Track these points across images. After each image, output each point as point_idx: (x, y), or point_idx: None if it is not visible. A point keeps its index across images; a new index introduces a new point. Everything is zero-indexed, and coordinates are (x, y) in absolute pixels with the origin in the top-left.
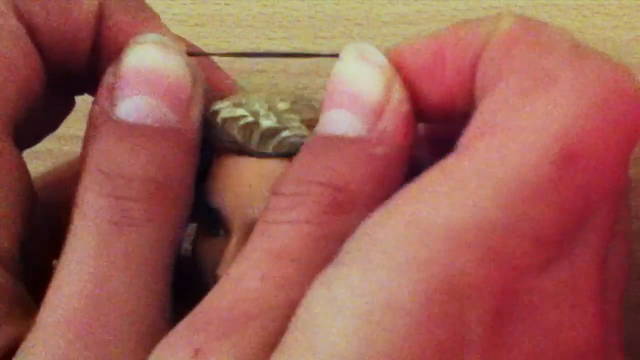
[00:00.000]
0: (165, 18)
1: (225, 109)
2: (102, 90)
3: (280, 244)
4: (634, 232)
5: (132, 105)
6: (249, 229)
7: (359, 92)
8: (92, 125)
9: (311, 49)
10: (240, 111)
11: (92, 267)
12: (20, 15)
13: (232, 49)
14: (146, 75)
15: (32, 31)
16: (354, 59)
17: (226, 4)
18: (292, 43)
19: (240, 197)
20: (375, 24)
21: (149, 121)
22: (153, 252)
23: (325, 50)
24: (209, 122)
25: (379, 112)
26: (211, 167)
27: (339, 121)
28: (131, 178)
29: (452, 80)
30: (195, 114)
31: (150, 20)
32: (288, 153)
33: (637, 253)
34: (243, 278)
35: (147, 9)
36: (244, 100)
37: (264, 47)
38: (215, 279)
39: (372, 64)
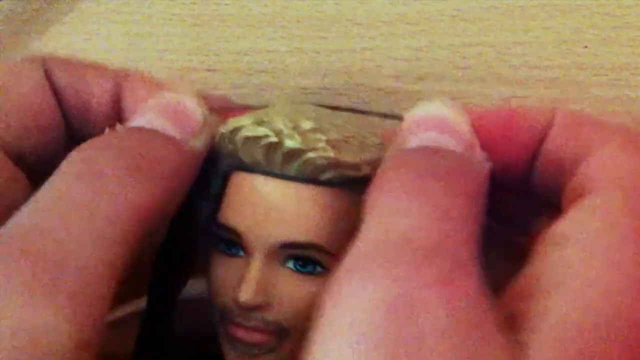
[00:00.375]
0: (165, 18)
1: (247, 127)
2: None
3: None
4: None
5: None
6: (270, 253)
7: (452, 122)
8: None
9: (311, 49)
10: (262, 130)
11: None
12: (48, 75)
13: (232, 49)
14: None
15: (56, 91)
16: (443, 103)
17: (226, 4)
18: (292, 43)
19: (262, 219)
20: (375, 24)
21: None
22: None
23: (325, 50)
24: (227, 139)
25: (470, 144)
26: (229, 186)
27: (436, 138)
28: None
29: (519, 147)
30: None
31: (162, 86)
32: (311, 175)
33: None
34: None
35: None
36: (266, 118)
37: (264, 47)
38: (235, 301)
39: (458, 109)
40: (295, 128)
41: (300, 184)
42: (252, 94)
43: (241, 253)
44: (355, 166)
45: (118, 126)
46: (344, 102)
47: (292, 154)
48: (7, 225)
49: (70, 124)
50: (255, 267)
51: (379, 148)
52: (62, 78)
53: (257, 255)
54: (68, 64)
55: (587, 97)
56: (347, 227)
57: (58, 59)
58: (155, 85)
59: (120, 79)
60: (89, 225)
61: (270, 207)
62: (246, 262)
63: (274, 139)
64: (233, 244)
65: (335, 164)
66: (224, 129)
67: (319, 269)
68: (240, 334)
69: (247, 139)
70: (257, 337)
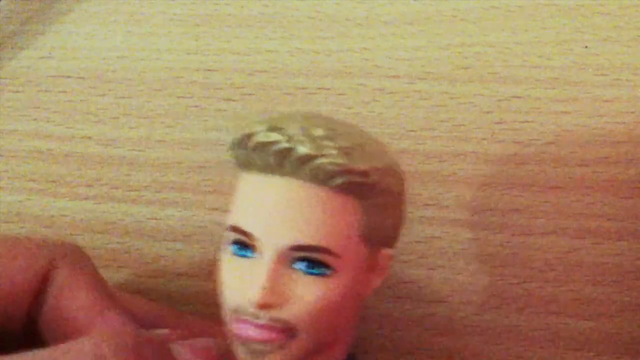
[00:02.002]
0: (165, 18)
1: (260, 133)
2: None
3: None
4: (634, 232)
5: None
6: (281, 254)
7: None
8: None
9: (311, 49)
10: (275, 136)
11: None
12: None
13: (232, 49)
14: None
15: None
16: None
17: (226, 4)
18: (292, 43)
19: (274, 222)
20: (375, 24)
21: None
22: None
23: (325, 50)
24: (239, 144)
25: None
26: (240, 190)
27: None
28: None
29: None
30: None
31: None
32: (322, 180)
33: (637, 253)
34: None
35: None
36: (278, 125)
37: (264, 47)
38: (248, 301)
39: None
40: (307, 134)
41: (311, 188)
42: (252, 94)
43: (252, 254)
44: (365, 173)
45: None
46: (344, 101)
47: (304, 160)
48: None
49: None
50: (268, 268)
51: (387, 156)
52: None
53: (269, 256)
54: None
55: (587, 97)
56: (355, 232)
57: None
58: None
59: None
60: None
61: (282, 210)
62: (257, 263)
63: (286, 144)
64: (244, 245)
65: (345, 171)
66: (237, 134)
67: (326, 270)
68: (251, 332)
69: (260, 144)
70: (266, 335)
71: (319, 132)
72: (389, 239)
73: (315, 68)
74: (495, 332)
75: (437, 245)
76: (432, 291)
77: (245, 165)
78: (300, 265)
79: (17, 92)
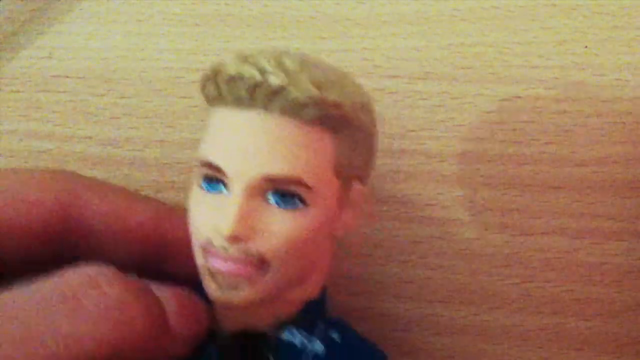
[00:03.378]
0: (165, 18)
1: (231, 66)
2: None
3: None
4: (634, 232)
5: None
6: (252, 187)
7: None
8: None
9: (311, 49)
10: (246, 68)
11: None
12: (69, 202)
13: (232, 49)
14: None
15: (73, 217)
16: None
17: (226, 4)
18: (292, 43)
19: (244, 154)
20: (375, 24)
21: None
22: None
23: (325, 50)
24: (209, 79)
25: None
26: (210, 124)
27: None
28: None
29: None
30: None
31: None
32: (294, 111)
33: (637, 253)
34: None
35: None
36: (250, 58)
37: (264, 47)
38: (219, 233)
39: None
40: (280, 66)
41: (283, 120)
42: None
43: (223, 189)
44: (338, 105)
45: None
46: None
47: (276, 91)
48: None
49: (76, 245)
50: (238, 200)
51: (361, 93)
52: (92, 203)
53: (239, 189)
54: (106, 192)
55: (587, 97)
56: (327, 165)
57: (94, 185)
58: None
59: (160, 212)
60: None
61: (252, 142)
62: (228, 197)
63: (258, 77)
64: (215, 180)
65: (317, 102)
66: (207, 70)
67: (299, 203)
68: (223, 265)
69: (231, 77)
70: (237, 268)
71: (291, 64)
72: (361, 175)
73: None
74: (495, 332)
75: (437, 245)
76: (432, 291)
77: (217, 100)
78: (273, 199)
79: (17, 92)
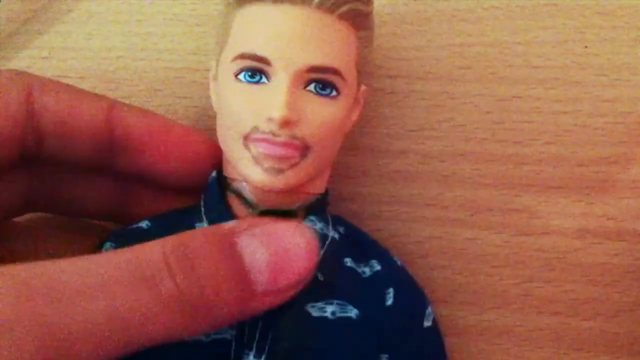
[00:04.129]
0: (165, 18)
1: None
2: None
3: None
4: (634, 232)
5: None
6: (296, 76)
7: None
8: None
9: None
10: None
11: None
12: (29, 97)
13: None
14: None
15: (34, 117)
16: None
17: None
18: None
19: (289, 45)
20: (375, 24)
21: None
22: None
23: None
24: None
25: None
26: (251, 20)
27: None
28: None
29: None
30: None
31: (157, 118)
32: (331, 6)
33: (637, 253)
34: None
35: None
36: None
37: None
38: (269, 118)
39: None
40: None
41: (320, 14)
42: None
43: (265, 80)
44: (368, 1)
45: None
46: None
47: None
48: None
49: (38, 145)
50: (286, 87)
51: None
52: (47, 104)
53: (286, 77)
54: (58, 90)
55: (587, 97)
56: (353, 60)
57: (48, 84)
58: (144, 116)
59: (111, 108)
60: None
61: (295, 34)
62: (271, 86)
63: None
64: (257, 72)
65: None
66: None
67: (334, 92)
68: (272, 150)
69: None
70: (286, 151)
71: None
72: (364, 74)
73: None
74: (495, 332)
75: (437, 245)
76: (432, 291)
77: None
78: (312, 87)
79: None
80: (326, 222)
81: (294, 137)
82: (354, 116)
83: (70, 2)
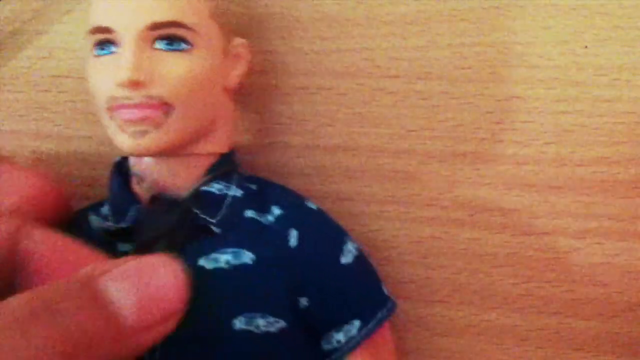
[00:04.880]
0: None
1: None
2: None
3: None
4: (634, 232)
5: None
6: (140, 37)
7: None
8: None
9: (311, 49)
10: None
11: None
12: None
13: None
14: None
15: None
16: None
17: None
18: (292, 43)
19: (127, 9)
20: (375, 24)
21: None
22: None
23: (325, 50)
24: None
25: None
26: None
27: None
28: None
29: None
30: None
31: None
32: None
33: (637, 253)
34: None
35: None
36: None
37: (264, 47)
38: (118, 83)
39: None
40: None
41: None
42: (251, 94)
43: (114, 49)
44: None
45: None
46: (344, 101)
47: None
48: None
49: None
50: (129, 50)
51: None
52: None
53: (130, 40)
54: None
55: (587, 97)
56: (203, 8)
57: None
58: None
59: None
60: None
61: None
62: (120, 52)
63: None
64: (107, 43)
65: None
66: None
67: (184, 45)
68: (130, 113)
69: None
70: (144, 112)
71: None
72: (238, 27)
73: (315, 68)
74: (495, 332)
75: (437, 245)
76: (432, 291)
77: None
78: (161, 45)
79: (17, 92)
80: (227, 182)
81: (150, 97)
82: (237, 71)
83: (70, 2)
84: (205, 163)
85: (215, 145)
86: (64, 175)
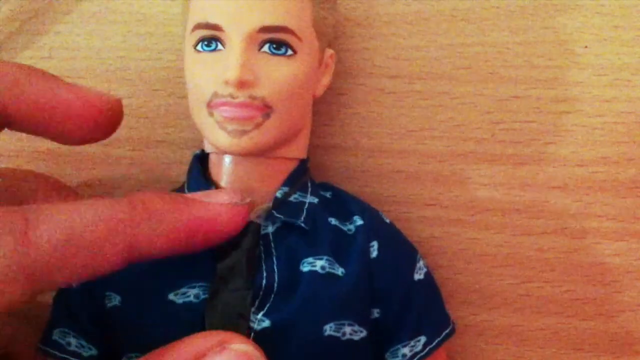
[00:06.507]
0: (165, 18)
1: None
2: None
3: None
4: (634, 232)
5: None
6: (249, 38)
7: None
8: None
9: None
10: None
11: None
12: None
13: None
14: None
15: None
16: None
17: None
18: None
19: (240, 9)
20: (375, 24)
21: None
22: None
23: None
24: None
25: None
26: None
27: None
28: None
29: None
30: None
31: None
32: None
33: (637, 253)
34: None
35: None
36: None
37: None
38: (226, 81)
39: None
40: None
41: None
42: None
43: (219, 47)
44: None
45: None
46: (344, 101)
47: None
48: None
49: None
50: (239, 50)
51: None
52: None
53: (238, 41)
54: None
55: (587, 97)
56: (308, 19)
57: None
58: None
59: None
60: None
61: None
62: (227, 51)
63: None
64: (213, 40)
65: None
66: None
67: (290, 51)
68: (232, 112)
69: None
70: (246, 112)
71: None
72: (331, 38)
73: None
74: (495, 332)
75: (437, 245)
76: None
77: None
78: (267, 48)
79: None
80: (303, 191)
81: (253, 97)
82: (325, 80)
83: (70, 2)
84: (288, 168)
85: (297, 150)
86: (64, 175)
